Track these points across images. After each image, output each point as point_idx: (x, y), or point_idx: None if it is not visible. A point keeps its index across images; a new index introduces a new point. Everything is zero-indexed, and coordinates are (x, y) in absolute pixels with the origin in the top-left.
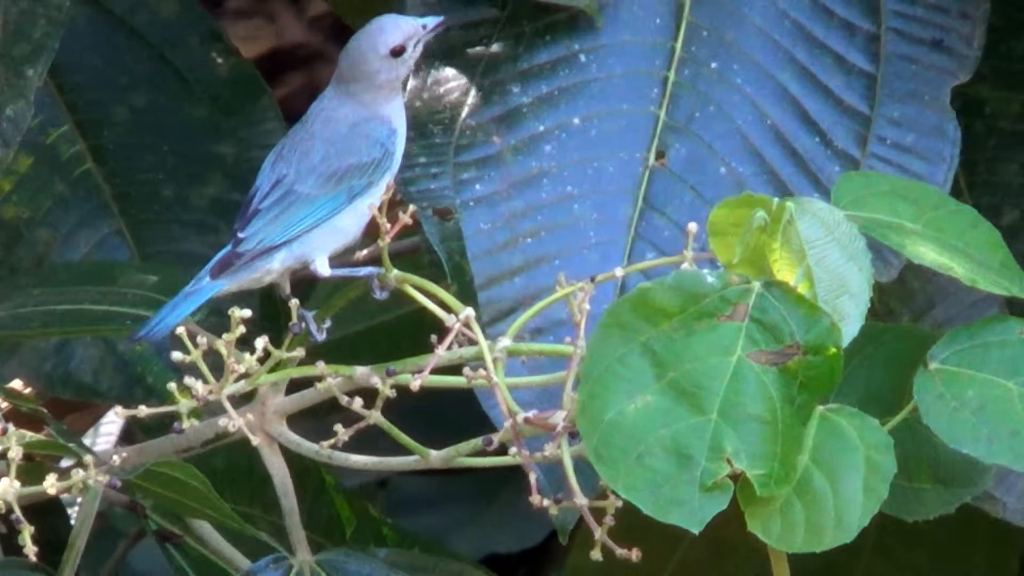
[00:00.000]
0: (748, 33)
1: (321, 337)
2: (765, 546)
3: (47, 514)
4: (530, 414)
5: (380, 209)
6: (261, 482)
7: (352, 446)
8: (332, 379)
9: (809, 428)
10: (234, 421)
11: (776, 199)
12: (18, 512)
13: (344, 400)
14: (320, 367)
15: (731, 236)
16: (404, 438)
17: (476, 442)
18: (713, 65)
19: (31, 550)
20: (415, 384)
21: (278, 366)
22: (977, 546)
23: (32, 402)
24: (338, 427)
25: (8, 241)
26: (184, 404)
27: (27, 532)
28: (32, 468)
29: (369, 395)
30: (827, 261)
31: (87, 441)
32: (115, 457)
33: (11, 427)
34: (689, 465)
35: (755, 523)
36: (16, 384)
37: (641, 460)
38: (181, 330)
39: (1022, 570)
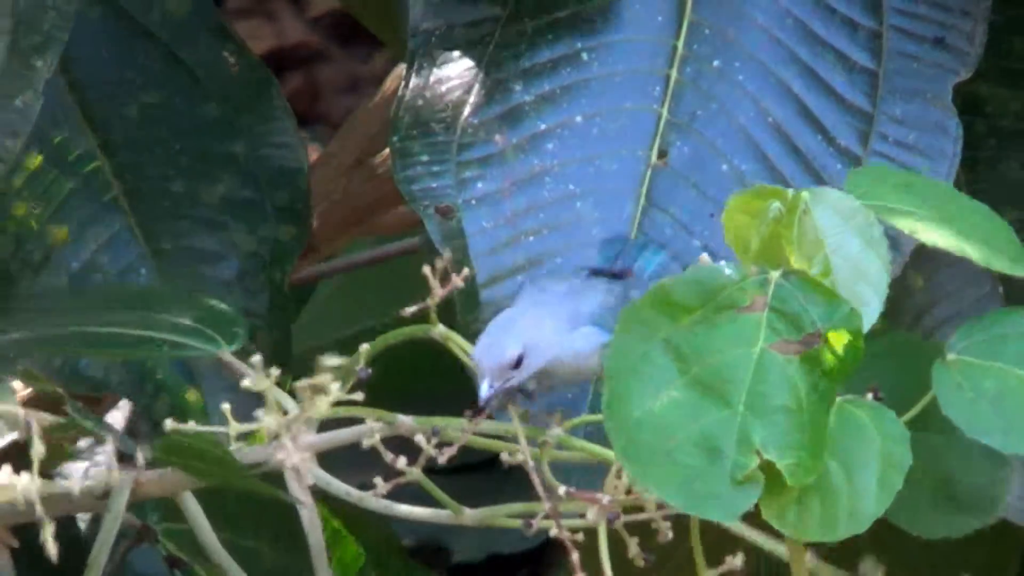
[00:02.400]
0: (750, 31)
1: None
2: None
3: (60, 526)
4: (572, 489)
5: (433, 272)
6: (270, 515)
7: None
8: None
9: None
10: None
11: (791, 190)
12: (40, 509)
13: (388, 458)
14: (367, 422)
15: (747, 228)
16: (441, 495)
17: (515, 507)
18: (715, 63)
19: (52, 549)
20: (445, 456)
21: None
22: (977, 545)
23: (50, 384)
24: (378, 480)
25: (19, 237)
26: (233, 427)
27: (48, 530)
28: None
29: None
30: (845, 249)
31: None
32: (139, 455)
33: (34, 423)
34: (719, 459)
35: (770, 512)
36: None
37: (671, 456)
38: (226, 407)
39: (1022, 570)
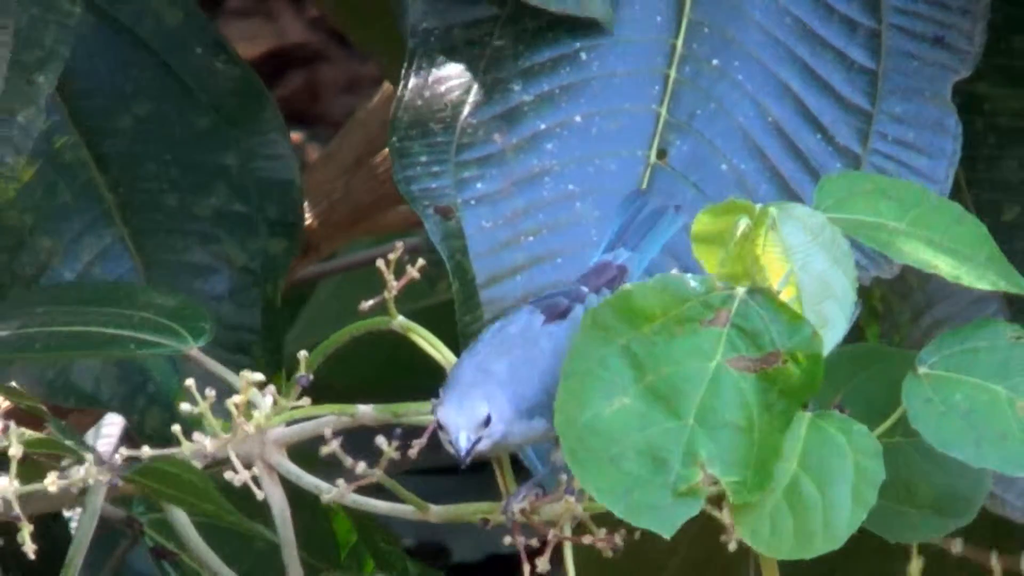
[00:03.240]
0: (749, 30)
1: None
2: None
3: (47, 524)
4: (525, 504)
5: (387, 264)
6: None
7: (348, 449)
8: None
9: (798, 434)
10: (240, 476)
11: (759, 205)
12: (18, 510)
13: (348, 463)
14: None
15: (714, 242)
16: (406, 494)
17: (481, 505)
18: (714, 62)
19: (30, 548)
20: (414, 451)
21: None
22: (977, 545)
23: (33, 399)
24: (340, 482)
25: (10, 248)
26: (188, 446)
27: (26, 530)
28: (32, 471)
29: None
30: (811, 266)
31: (88, 442)
32: (116, 455)
33: (12, 424)
34: (663, 469)
35: (744, 529)
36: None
37: (615, 462)
38: (189, 382)
39: None
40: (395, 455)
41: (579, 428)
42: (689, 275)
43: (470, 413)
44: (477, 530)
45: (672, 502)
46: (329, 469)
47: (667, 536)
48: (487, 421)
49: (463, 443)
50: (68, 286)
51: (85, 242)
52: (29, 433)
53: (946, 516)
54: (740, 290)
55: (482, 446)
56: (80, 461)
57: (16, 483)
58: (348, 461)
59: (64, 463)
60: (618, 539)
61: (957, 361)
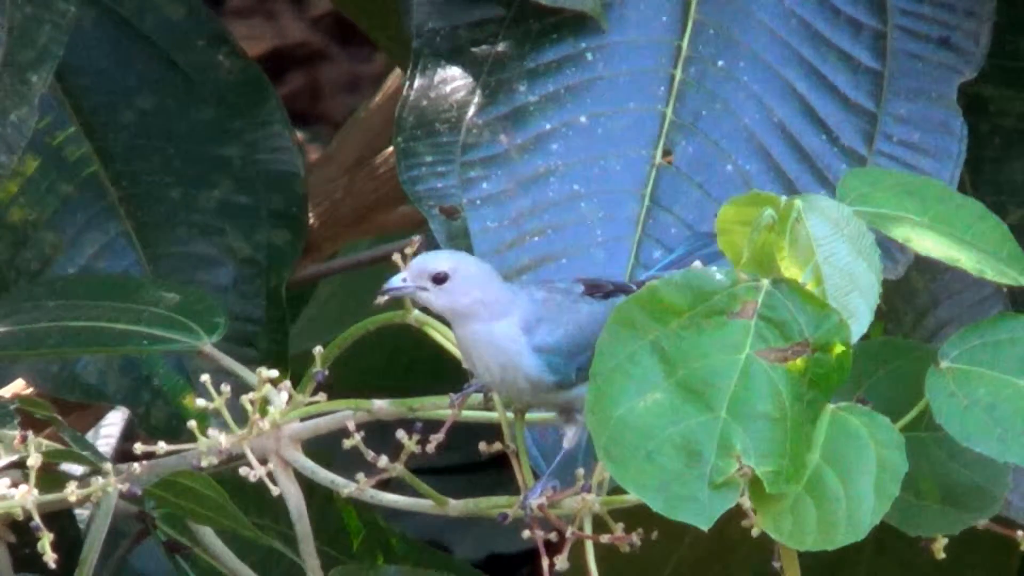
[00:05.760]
0: (755, 31)
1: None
2: (766, 545)
3: (55, 520)
4: (543, 499)
5: (404, 258)
6: (271, 493)
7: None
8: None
9: (820, 426)
10: (256, 472)
11: (784, 197)
12: (37, 519)
13: (370, 456)
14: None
15: (739, 234)
16: (425, 487)
17: (500, 500)
18: (720, 63)
19: (51, 557)
20: (432, 446)
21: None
22: (979, 545)
23: (47, 408)
24: (360, 476)
25: (15, 243)
26: (204, 442)
27: (46, 539)
28: (44, 475)
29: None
30: (836, 258)
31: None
32: (134, 465)
33: (30, 435)
34: (698, 462)
35: (767, 521)
36: (19, 384)
37: (651, 458)
38: (205, 378)
39: (1022, 570)
40: (416, 448)
41: (612, 425)
42: (714, 268)
43: (431, 260)
44: (478, 529)
45: (709, 494)
46: (340, 465)
47: (705, 528)
48: (440, 279)
49: (394, 281)
50: (74, 279)
51: (89, 236)
52: (47, 443)
53: (966, 511)
54: (765, 281)
55: (423, 295)
56: (96, 469)
57: (35, 492)
58: (370, 455)
59: (78, 470)
60: (635, 538)
61: (979, 355)
